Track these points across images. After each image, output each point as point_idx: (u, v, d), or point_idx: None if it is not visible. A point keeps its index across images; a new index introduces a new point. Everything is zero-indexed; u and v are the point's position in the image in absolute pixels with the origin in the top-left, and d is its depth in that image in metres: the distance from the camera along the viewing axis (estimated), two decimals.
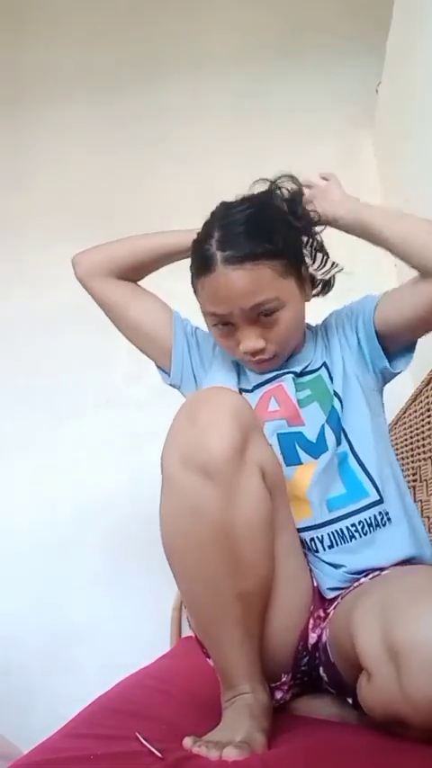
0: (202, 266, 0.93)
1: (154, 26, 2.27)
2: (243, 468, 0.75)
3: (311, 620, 0.86)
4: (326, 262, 1.03)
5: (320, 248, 1.03)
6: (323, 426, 0.95)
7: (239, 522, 0.74)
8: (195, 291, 0.97)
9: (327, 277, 1.04)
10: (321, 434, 0.95)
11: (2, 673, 1.81)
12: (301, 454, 0.94)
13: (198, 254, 0.94)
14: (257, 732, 0.71)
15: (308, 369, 1.02)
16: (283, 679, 0.85)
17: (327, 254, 1.04)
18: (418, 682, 0.56)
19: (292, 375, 0.99)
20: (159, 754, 0.67)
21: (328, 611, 0.86)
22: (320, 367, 1.02)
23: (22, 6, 2.34)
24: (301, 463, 0.94)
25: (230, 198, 0.99)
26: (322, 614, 0.87)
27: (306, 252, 1.01)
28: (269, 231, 0.92)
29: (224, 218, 0.94)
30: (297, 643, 0.84)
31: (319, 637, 0.85)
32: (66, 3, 2.32)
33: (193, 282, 0.97)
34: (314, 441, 0.95)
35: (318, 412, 0.97)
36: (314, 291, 1.03)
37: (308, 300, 1.01)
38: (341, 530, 0.90)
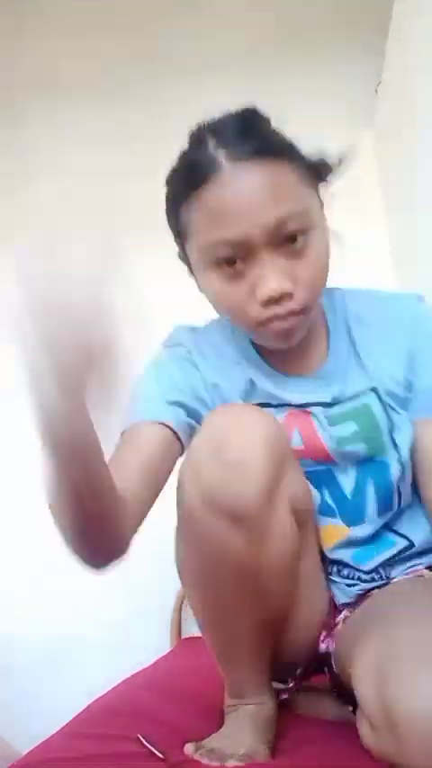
0: (194, 178, 0.68)
1: (154, 26, 2.27)
2: (274, 508, 0.65)
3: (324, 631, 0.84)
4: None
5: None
6: (364, 482, 0.78)
7: (266, 564, 0.67)
8: (182, 231, 0.71)
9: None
10: (360, 492, 0.78)
11: (2, 673, 1.81)
12: (332, 507, 0.79)
13: (187, 167, 0.71)
14: (261, 744, 0.70)
15: (344, 395, 0.77)
16: (290, 684, 0.84)
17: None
18: (416, 755, 0.51)
19: (322, 408, 0.77)
20: (161, 756, 0.67)
21: (337, 620, 0.83)
22: (367, 392, 0.77)
23: (23, 6, 2.33)
24: (333, 517, 0.80)
25: None
26: (332, 623, 0.84)
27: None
28: (276, 131, 0.74)
29: (215, 121, 0.73)
30: (309, 655, 0.83)
31: (327, 645, 0.84)
32: (66, 3, 2.32)
33: (176, 218, 0.72)
34: (349, 495, 0.79)
35: (361, 453, 0.77)
36: None
37: None
38: (361, 576, 0.81)
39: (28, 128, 2.25)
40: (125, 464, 0.70)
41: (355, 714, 0.79)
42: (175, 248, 0.78)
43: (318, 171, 0.76)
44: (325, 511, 0.80)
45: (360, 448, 0.77)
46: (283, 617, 0.75)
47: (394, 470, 0.77)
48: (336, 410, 0.77)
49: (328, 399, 0.77)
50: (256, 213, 0.65)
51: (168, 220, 0.75)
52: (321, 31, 2.17)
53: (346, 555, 0.81)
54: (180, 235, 0.73)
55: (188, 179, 0.69)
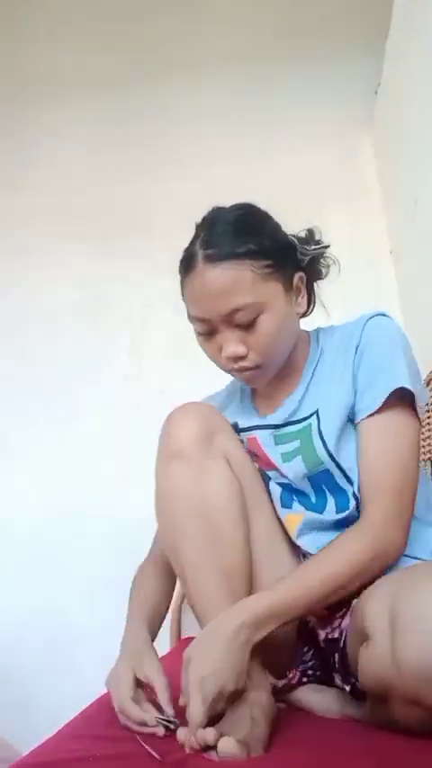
0: (185, 266, 0.91)
1: (154, 26, 2.27)
2: (209, 453, 0.86)
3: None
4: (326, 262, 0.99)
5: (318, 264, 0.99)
6: (320, 487, 0.93)
7: (211, 497, 0.84)
8: (182, 294, 0.94)
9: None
10: (319, 493, 0.93)
11: (2, 673, 1.81)
12: (296, 504, 0.95)
13: (184, 255, 0.92)
14: (256, 735, 0.71)
15: (293, 419, 0.95)
16: (289, 675, 0.86)
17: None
18: (408, 649, 0.60)
19: (269, 431, 0.96)
20: (158, 756, 0.67)
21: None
22: (311, 416, 0.94)
23: (22, 6, 2.34)
24: (290, 508, 0.95)
25: (229, 199, 0.97)
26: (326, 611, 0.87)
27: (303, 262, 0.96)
28: (257, 231, 0.89)
29: (213, 219, 0.92)
30: (294, 634, 0.86)
31: (340, 633, 0.86)
32: (66, 3, 2.32)
33: (180, 284, 0.94)
34: (313, 500, 0.94)
35: (302, 468, 0.93)
36: (306, 310, 0.97)
37: (300, 313, 0.95)
38: None
39: (28, 127, 2.25)
40: None
41: (352, 693, 0.82)
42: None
43: (292, 262, 0.94)
44: (285, 502, 0.96)
45: (299, 461, 0.93)
46: (249, 572, 0.84)
47: (339, 479, 0.90)
48: (284, 431, 0.95)
49: (278, 422, 0.95)
50: (213, 304, 0.87)
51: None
52: (321, 32, 2.17)
53: (309, 544, 0.92)
54: (182, 296, 0.94)
55: (182, 267, 0.92)
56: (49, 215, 2.15)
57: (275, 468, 0.96)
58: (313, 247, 0.96)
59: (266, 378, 0.94)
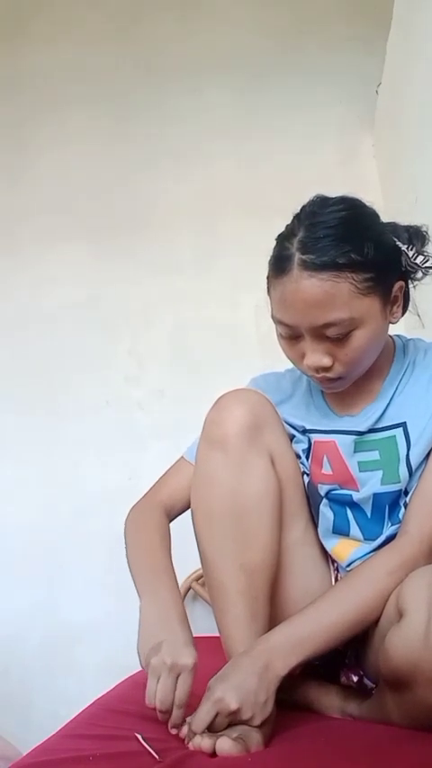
0: (277, 265, 0.83)
1: (154, 26, 2.27)
2: (253, 448, 0.83)
3: None
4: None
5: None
6: (382, 505, 0.89)
7: (246, 493, 0.82)
8: (268, 290, 0.87)
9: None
10: (380, 512, 0.90)
11: (2, 673, 1.81)
12: (352, 525, 0.92)
13: (276, 252, 0.84)
14: (253, 731, 0.71)
15: (378, 426, 0.90)
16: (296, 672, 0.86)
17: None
18: None
19: (352, 437, 0.90)
20: (157, 756, 0.67)
21: None
22: (396, 426, 0.89)
23: (22, 7, 2.33)
24: (347, 535, 0.92)
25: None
26: None
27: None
28: (361, 238, 0.80)
29: (314, 215, 0.82)
30: None
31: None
32: (65, 3, 2.32)
33: (267, 279, 0.87)
34: (369, 515, 0.90)
35: (376, 483, 0.89)
36: (400, 316, 0.90)
37: (394, 322, 0.89)
38: None
39: (28, 127, 2.25)
40: None
41: (358, 685, 0.84)
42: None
43: (394, 271, 0.86)
44: (338, 528, 0.92)
45: (378, 473, 0.88)
46: (270, 573, 0.83)
47: (402, 501, 0.88)
48: (366, 438, 0.90)
49: (363, 428, 0.90)
50: (306, 315, 0.80)
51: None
52: (321, 32, 2.17)
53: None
54: (267, 289, 0.88)
55: (273, 266, 0.85)
56: (49, 214, 2.15)
57: (340, 480, 0.91)
58: (423, 262, 0.87)
59: (346, 386, 0.89)
